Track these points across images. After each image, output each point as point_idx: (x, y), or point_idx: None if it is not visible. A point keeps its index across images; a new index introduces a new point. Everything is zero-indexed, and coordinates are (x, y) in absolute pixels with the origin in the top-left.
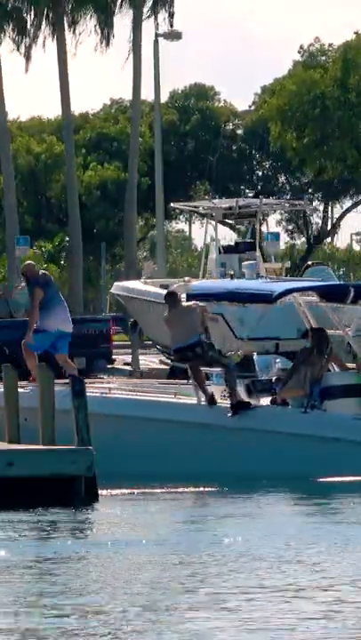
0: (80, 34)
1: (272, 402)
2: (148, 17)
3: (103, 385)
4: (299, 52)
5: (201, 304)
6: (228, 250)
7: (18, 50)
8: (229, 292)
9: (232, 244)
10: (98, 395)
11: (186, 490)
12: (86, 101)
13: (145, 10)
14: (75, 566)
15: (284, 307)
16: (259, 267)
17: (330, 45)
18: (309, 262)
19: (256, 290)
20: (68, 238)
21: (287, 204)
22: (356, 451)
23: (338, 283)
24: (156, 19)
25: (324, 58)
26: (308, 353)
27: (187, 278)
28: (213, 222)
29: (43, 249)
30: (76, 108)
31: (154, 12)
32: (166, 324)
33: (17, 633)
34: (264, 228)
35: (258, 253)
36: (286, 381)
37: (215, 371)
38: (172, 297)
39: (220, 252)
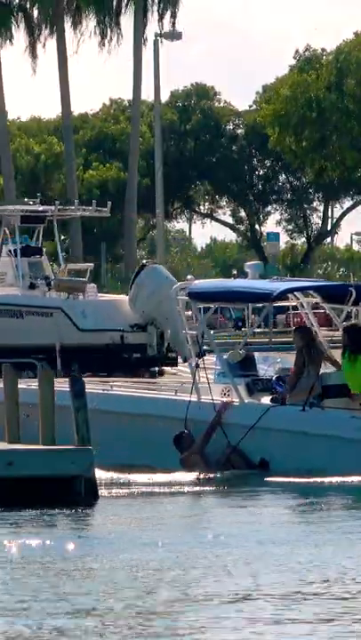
0: (82, 33)
1: (272, 400)
2: (159, 20)
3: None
4: (294, 58)
5: None
6: (17, 253)
7: (30, 50)
8: (230, 292)
9: (18, 248)
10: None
11: (185, 490)
12: (86, 101)
13: (150, 11)
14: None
15: (122, 300)
16: (44, 269)
17: (323, 50)
18: (144, 261)
19: (256, 289)
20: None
21: (88, 212)
22: (355, 448)
23: (340, 283)
24: (161, 19)
25: (318, 65)
26: (306, 353)
27: (190, 277)
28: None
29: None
30: (76, 108)
31: (158, 12)
32: None
33: (17, 633)
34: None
35: (44, 257)
36: (294, 385)
37: (217, 369)
38: None
39: (15, 256)
